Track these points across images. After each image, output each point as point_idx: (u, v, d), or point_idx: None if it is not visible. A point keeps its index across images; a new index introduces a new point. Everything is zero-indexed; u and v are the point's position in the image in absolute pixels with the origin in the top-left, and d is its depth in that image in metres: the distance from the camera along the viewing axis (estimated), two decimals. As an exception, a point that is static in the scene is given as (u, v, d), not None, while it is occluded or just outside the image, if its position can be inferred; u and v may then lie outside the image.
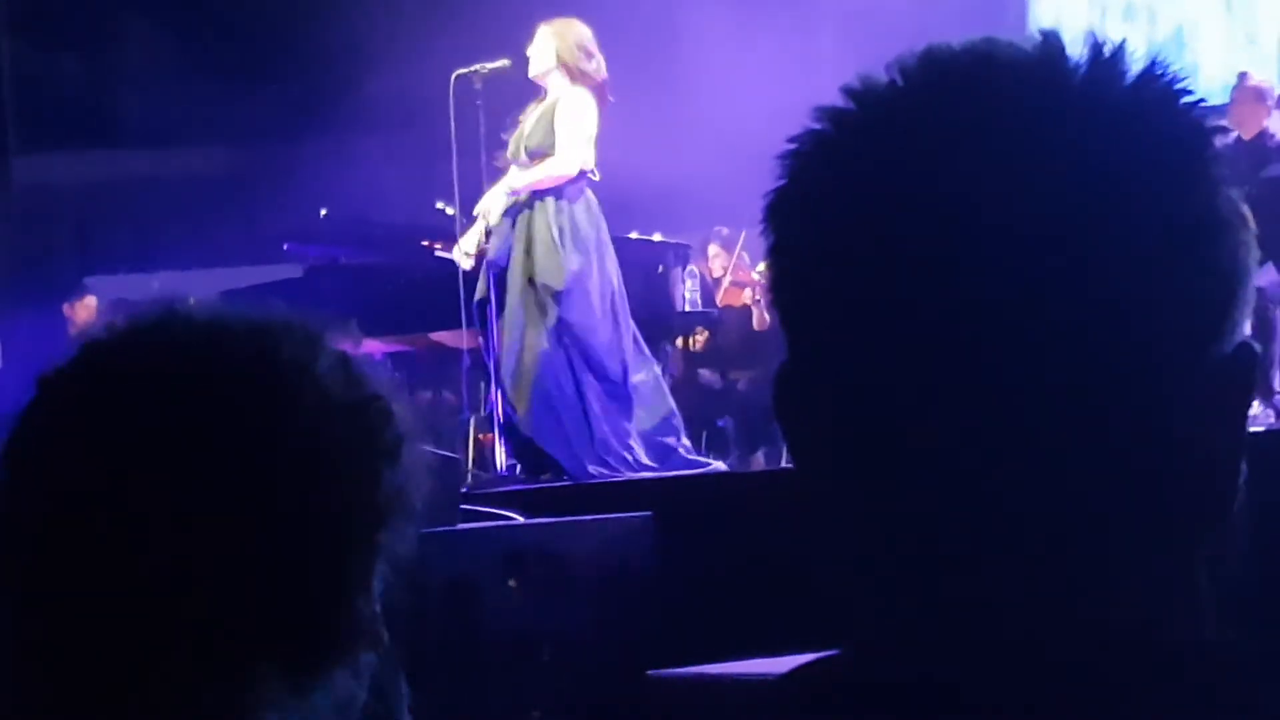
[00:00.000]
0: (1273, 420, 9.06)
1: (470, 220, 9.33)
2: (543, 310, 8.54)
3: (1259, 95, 10.41)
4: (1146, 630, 0.97)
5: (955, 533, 0.96)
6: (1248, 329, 1.01)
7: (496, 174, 8.95)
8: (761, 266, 10.42)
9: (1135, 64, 0.99)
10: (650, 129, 9.32)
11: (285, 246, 11.60)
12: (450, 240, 9.54)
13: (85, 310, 13.09)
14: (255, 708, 1.46)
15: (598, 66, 8.58)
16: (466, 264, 8.98)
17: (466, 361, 9.62)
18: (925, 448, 0.96)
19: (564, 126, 8.53)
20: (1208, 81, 11.43)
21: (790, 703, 1.02)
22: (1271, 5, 14.03)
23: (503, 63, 8.97)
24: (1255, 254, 1.00)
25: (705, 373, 12.25)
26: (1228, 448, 0.99)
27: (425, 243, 10.33)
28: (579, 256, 8.51)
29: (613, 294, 8.66)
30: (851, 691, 0.99)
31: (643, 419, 8.66)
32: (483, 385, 9.93)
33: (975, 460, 0.96)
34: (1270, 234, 1.14)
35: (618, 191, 8.94)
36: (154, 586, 1.44)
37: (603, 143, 8.65)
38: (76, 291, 13.47)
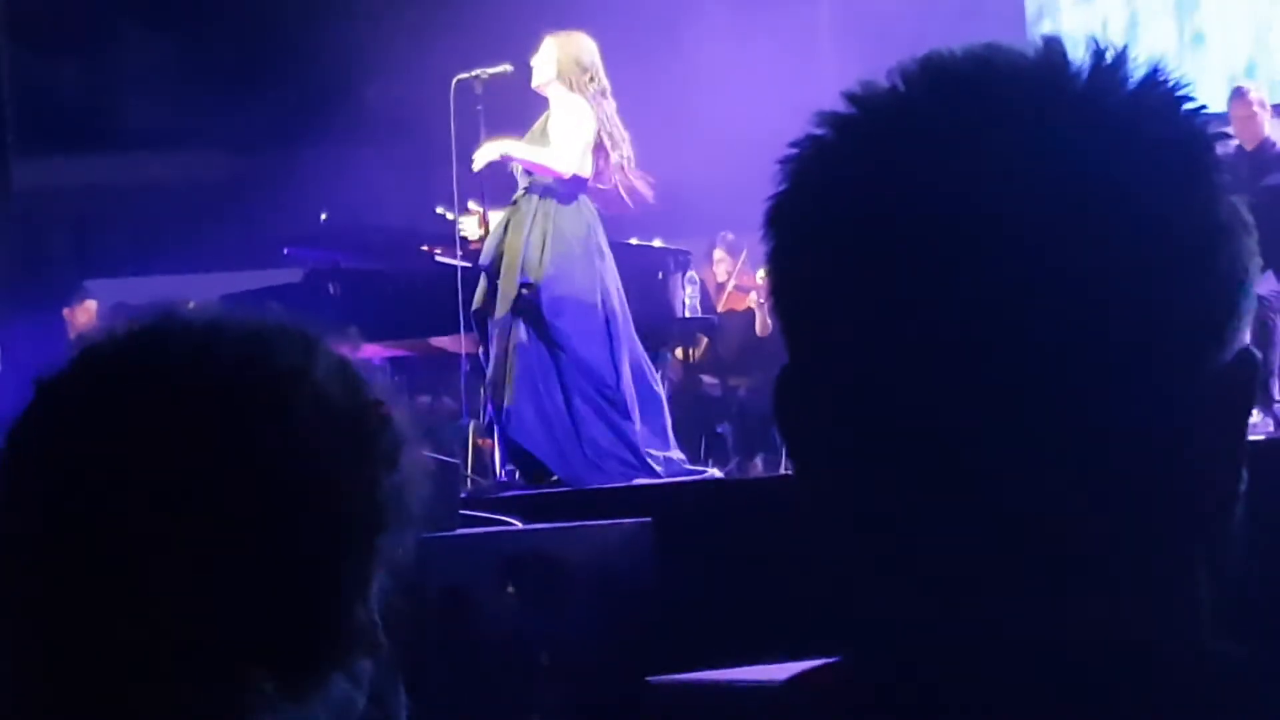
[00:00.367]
0: (1272, 428, 9.06)
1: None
2: (526, 311, 8.55)
3: (1259, 105, 10.42)
4: (1146, 638, 0.97)
5: (956, 537, 0.96)
6: (1248, 336, 1.00)
7: (496, 180, 8.95)
8: (762, 272, 10.42)
9: (1137, 70, 0.99)
10: (651, 134, 9.32)
11: (285, 251, 11.61)
12: (450, 245, 9.55)
13: (84, 314, 13.08)
14: (252, 713, 1.46)
15: (595, 83, 8.59)
16: (474, 232, 9.01)
17: (466, 367, 9.63)
18: (926, 452, 0.96)
19: (557, 129, 8.56)
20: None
21: (792, 710, 1.02)
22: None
23: (503, 68, 8.98)
24: (1256, 261, 1.00)
25: (705, 379, 12.25)
26: (1228, 455, 0.99)
27: (425, 247, 10.33)
28: (561, 258, 8.52)
29: (606, 298, 8.66)
30: (854, 698, 0.99)
31: (640, 428, 8.66)
32: (482, 391, 9.94)
33: (976, 465, 0.95)
34: (1271, 242, 1.14)
35: (616, 197, 8.93)
36: (150, 591, 1.43)
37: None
38: (76, 295, 13.45)
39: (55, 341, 11.40)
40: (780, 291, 1.02)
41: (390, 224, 11.73)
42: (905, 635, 0.98)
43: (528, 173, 8.69)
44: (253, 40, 15.79)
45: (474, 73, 9.06)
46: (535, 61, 8.68)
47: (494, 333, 8.67)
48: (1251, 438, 1.03)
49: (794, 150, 1.01)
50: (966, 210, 0.95)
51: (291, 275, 11.53)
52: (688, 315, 11.30)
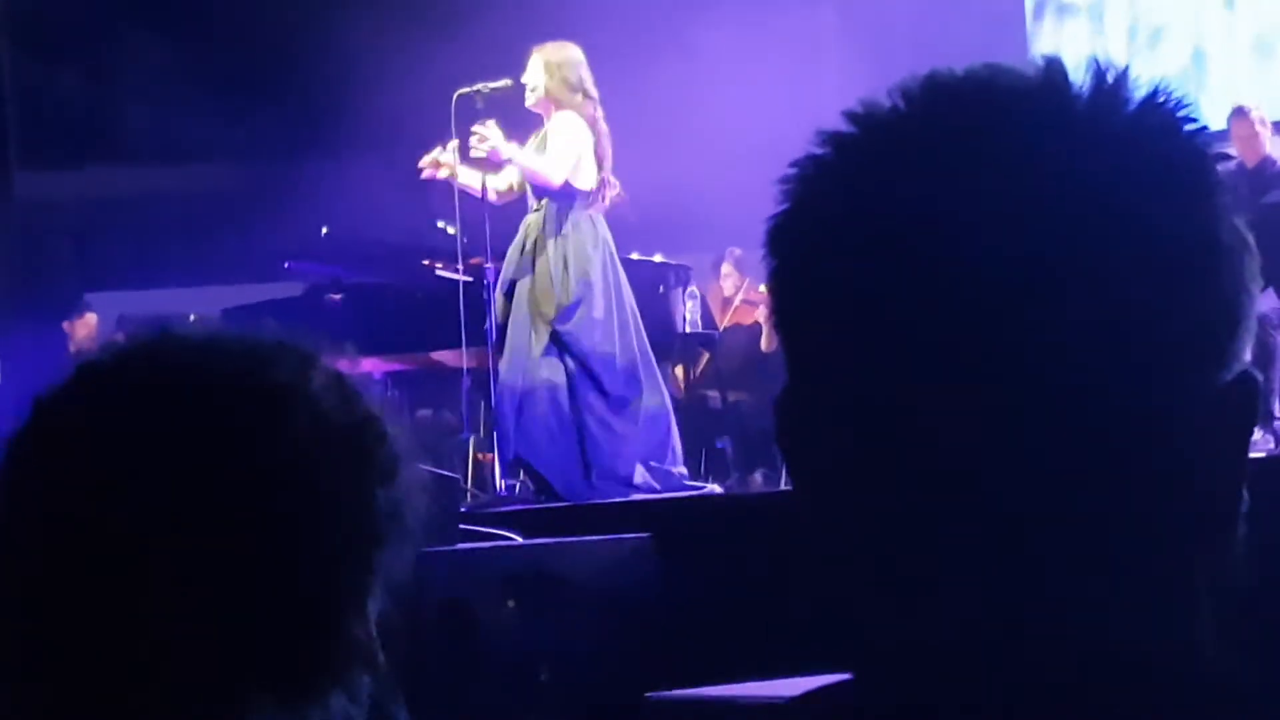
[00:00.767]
0: (1273, 446, 9.05)
1: (471, 240, 9.33)
2: (546, 333, 8.54)
3: (1260, 123, 10.42)
4: (1148, 656, 0.97)
5: (960, 555, 0.96)
6: (1249, 356, 1.00)
7: (497, 195, 8.96)
8: (761, 287, 10.42)
9: (1138, 91, 0.99)
10: (656, 147, 9.33)
11: (286, 264, 11.61)
12: (451, 260, 9.54)
13: (85, 327, 13.09)
14: (249, 729, 1.45)
15: (583, 97, 8.59)
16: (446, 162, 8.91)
17: (467, 381, 9.62)
18: (928, 471, 0.96)
19: (552, 142, 8.57)
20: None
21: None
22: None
23: (505, 83, 8.97)
24: (1257, 281, 1.00)
25: (705, 394, 12.24)
26: (1229, 475, 0.99)
27: (426, 262, 10.33)
28: (583, 283, 8.52)
29: (621, 315, 8.68)
30: (865, 717, 0.99)
31: (643, 443, 8.66)
32: (483, 405, 9.93)
33: (978, 485, 0.95)
34: (1271, 260, 1.14)
35: (620, 211, 8.94)
36: (147, 608, 1.43)
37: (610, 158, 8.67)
38: (77, 308, 13.47)
39: (56, 354, 11.41)
40: (781, 311, 1.02)
41: (391, 238, 11.72)
42: (909, 652, 0.98)
43: (537, 194, 8.69)
44: (255, 53, 15.80)
45: (475, 88, 9.05)
46: (526, 79, 8.69)
47: (507, 350, 8.64)
48: (1252, 455, 1.03)
49: (795, 170, 1.01)
50: (967, 231, 0.95)
51: (293, 289, 11.54)
52: (688, 330, 11.29)
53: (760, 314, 12.46)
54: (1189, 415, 0.97)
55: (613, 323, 8.63)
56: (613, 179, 8.72)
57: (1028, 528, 0.96)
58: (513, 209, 8.94)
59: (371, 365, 9.88)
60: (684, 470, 8.95)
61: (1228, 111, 10.54)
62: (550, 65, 8.62)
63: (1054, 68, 0.99)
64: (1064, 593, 0.96)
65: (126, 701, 1.44)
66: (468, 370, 9.43)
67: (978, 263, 0.95)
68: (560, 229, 8.60)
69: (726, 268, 12.98)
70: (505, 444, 8.72)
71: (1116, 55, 1.07)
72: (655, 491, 8.50)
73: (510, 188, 8.94)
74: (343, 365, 1.54)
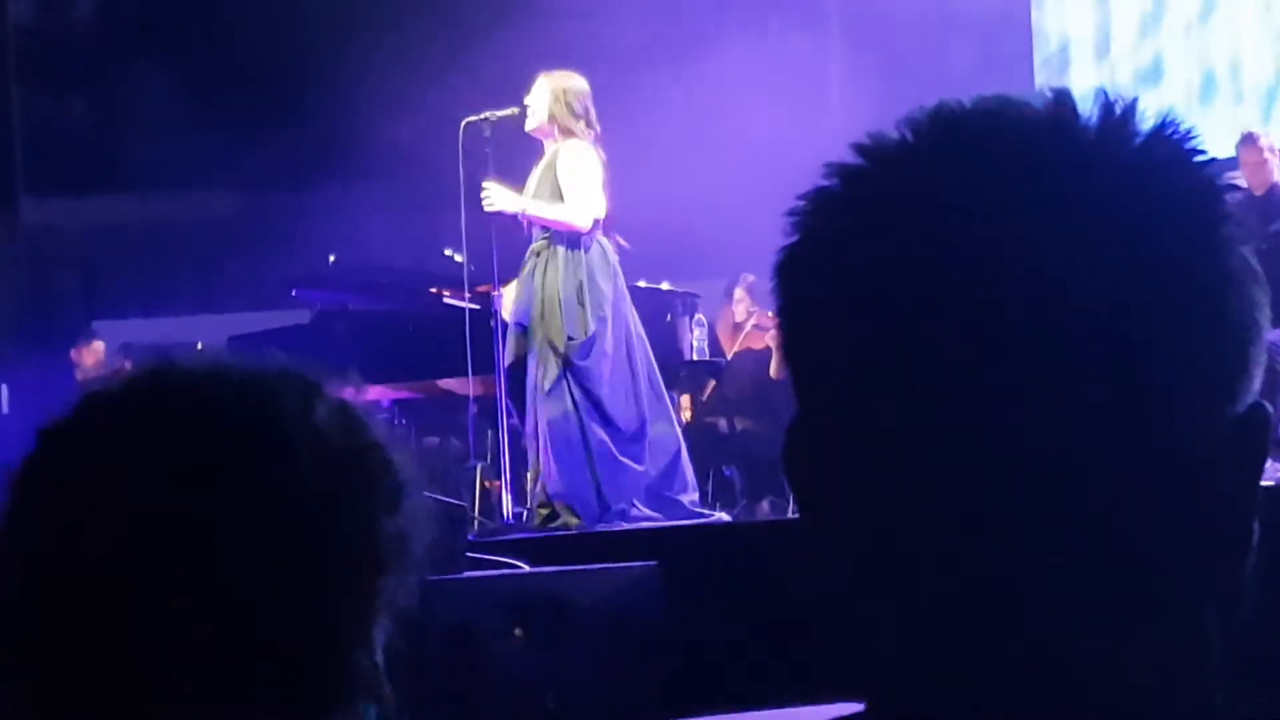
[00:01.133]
0: (1282, 474, 9.02)
1: (478, 268, 9.34)
2: (558, 364, 8.53)
3: (1269, 150, 10.39)
4: (1155, 689, 0.97)
5: (972, 585, 0.96)
6: (1259, 386, 1.00)
7: (503, 223, 8.95)
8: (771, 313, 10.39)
9: (1146, 122, 0.99)
10: (662, 176, 9.34)
11: (293, 292, 11.62)
12: (458, 287, 9.54)
13: (92, 355, 13.10)
14: (253, 760, 1.45)
15: (585, 125, 8.59)
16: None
17: (474, 409, 9.62)
18: (940, 500, 0.96)
19: (567, 179, 8.54)
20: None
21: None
22: None
23: (511, 110, 8.98)
24: (1267, 312, 0.99)
25: (712, 421, 12.23)
26: (1239, 509, 0.99)
27: (433, 289, 10.34)
28: (596, 314, 8.52)
29: (630, 343, 8.67)
30: None
31: (652, 471, 8.66)
32: (489, 433, 9.92)
33: (988, 516, 0.95)
34: (1278, 286, 1.13)
35: (626, 237, 8.95)
36: (150, 636, 1.43)
37: (612, 189, 8.67)
38: (84, 336, 13.48)
39: (63, 382, 11.42)
40: (790, 343, 1.02)
41: (398, 265, 11.74)
42: (920, 681, 0.98)
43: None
44: (261, 82, 15.84)
45: (482, 115, 9.07)
46: (529, 100, 8.69)
47: (529, 386, 8.62)
48: (1263, 483, 1.02)
49: (803, 202, 1.01)
50: (976, 264, 0.95)
51: (300, 316, 11.55)
52: (695, 358, 11.29)
53: (770, 339, 12.44)
54: (1200, 447, 0.96)
55: (621, 354, 8.63)
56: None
57: (1038, 559, 0.95)
58: (518, 235, 8.94)
59: (378, 392, 9.89)
60: (695, 498, 8.93)
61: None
62: (557, 91, 8.63)
63: (1062, 99, 0.99)
64: (1073, 623, 0.96)
65: (130, 730, 1.44)
66: (474, 398, 9.43)
67: (985, 295, 0.95)
68: (572, 259, 8.58)
69: (739, 292, 12.97)
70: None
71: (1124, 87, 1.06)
72: (661, 519, 8.49)
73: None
74: (349, 393, 1.54)
